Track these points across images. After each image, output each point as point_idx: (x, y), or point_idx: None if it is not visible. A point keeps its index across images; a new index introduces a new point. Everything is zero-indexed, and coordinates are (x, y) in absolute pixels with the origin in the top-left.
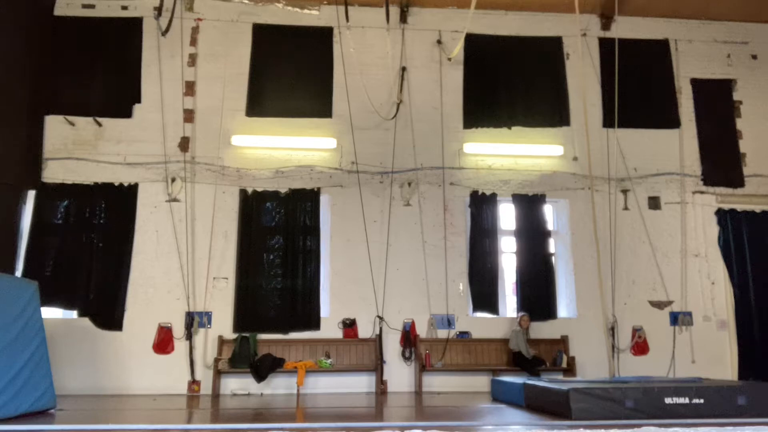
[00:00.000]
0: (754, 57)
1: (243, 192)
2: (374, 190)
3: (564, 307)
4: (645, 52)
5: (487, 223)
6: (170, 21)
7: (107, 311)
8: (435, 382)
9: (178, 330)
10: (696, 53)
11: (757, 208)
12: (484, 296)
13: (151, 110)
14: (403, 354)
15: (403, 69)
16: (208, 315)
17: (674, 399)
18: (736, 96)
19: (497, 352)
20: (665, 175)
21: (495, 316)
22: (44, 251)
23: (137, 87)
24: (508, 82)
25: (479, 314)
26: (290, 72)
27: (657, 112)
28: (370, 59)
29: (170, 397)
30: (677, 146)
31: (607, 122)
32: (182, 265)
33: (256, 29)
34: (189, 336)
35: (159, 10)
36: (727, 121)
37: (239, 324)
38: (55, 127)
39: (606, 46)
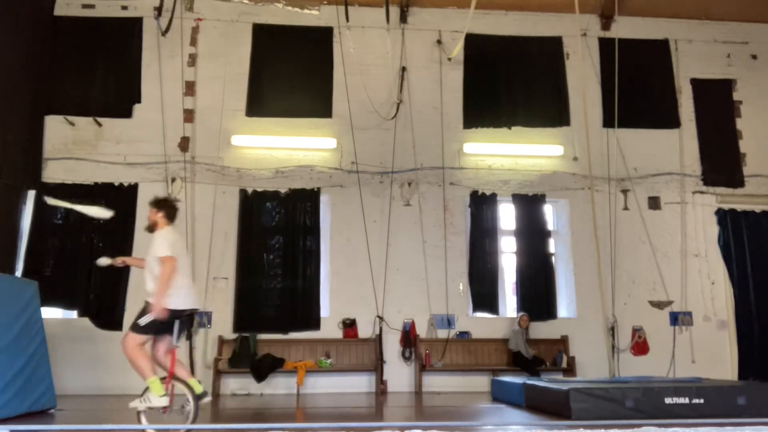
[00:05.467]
0: (754, 57)
1: (243, 192)
2: (374, 190)
3: (564, 307)
4: (645, 52)
5: (487, 223)
6: (170, 21)
7: (107, 311)
8: (435, 382)
9: None
10: (696, 53)
11: (757, 208)
12: (484, 296)
13: (151, 110)
14: (403, 354)
15: (403, 69)
16: (208, 315)
17: (674, 399)
18: (736, 96)
19: (497, 352)
20: (665, 175)
21: (495, 316)
22: (44, 251)
23: (137, 87)
24: (508, 82)
25: (479, 314)
26: (290, 72)
27: (657, 112)
28: (370, 59)
29: None
30: (677, 146)
31: (607, 122)
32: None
33: (256, 29)
34: (189, 336)
35: (159, 10)
36: (727, 121)
37: (239, 324)
38: (55, 127)
39: (606, 46)
